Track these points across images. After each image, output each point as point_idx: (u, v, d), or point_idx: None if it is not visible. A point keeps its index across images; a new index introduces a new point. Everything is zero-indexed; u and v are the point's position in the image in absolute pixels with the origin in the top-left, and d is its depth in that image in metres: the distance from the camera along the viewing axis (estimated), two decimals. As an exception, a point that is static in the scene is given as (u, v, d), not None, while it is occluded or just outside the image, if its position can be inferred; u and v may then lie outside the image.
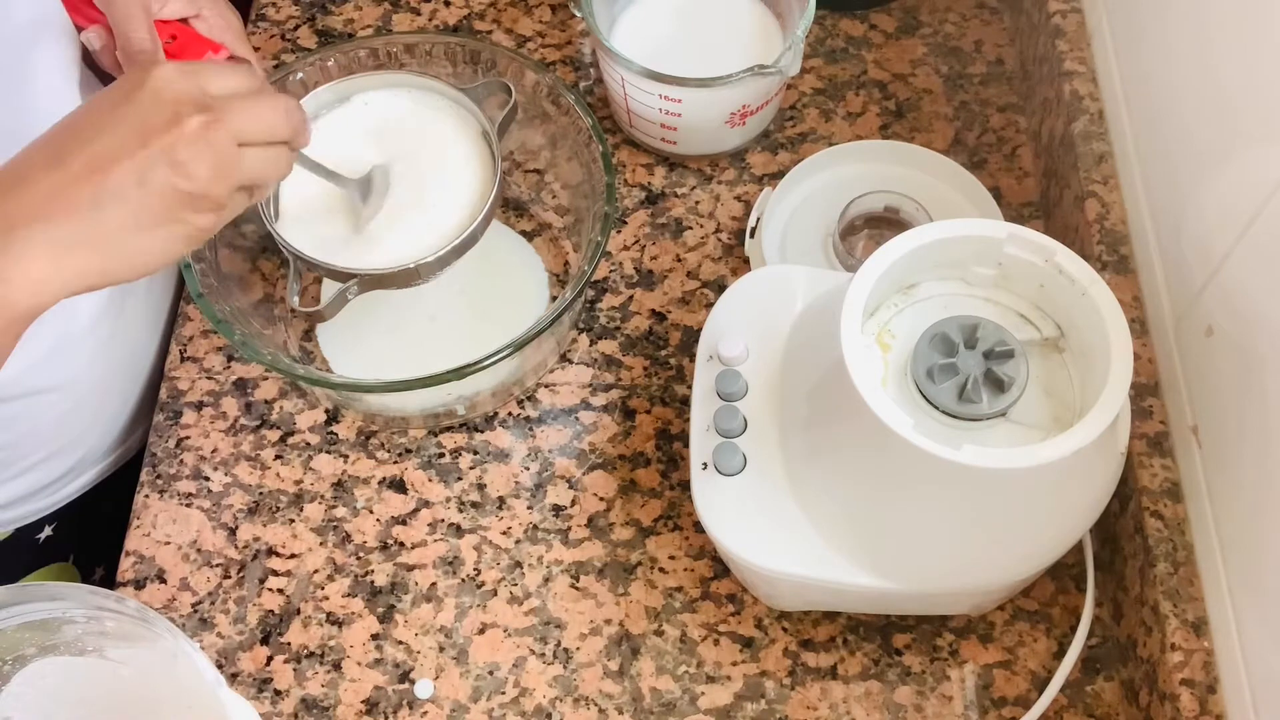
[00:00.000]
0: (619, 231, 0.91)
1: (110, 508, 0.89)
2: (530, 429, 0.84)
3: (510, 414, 0.85)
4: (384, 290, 0.76)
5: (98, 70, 0.82)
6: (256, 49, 0.88)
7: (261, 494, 0.83)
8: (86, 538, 0.92)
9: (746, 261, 0.87)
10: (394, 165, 0.78)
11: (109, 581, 0.81)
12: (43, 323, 0.59)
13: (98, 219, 0.57)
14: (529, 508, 0.81)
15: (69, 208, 0.56)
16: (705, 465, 0.70)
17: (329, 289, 0.73)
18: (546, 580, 0.79)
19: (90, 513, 0.91)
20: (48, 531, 0.89)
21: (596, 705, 0.75)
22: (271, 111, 0.62)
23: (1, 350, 0.57)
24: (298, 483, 0.83)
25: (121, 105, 0.58)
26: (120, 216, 0.57)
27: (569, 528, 0.81)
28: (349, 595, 0.79)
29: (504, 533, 0.81)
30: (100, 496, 0.91)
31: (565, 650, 0.77)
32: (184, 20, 0.76)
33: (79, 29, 0.74)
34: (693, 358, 0.81)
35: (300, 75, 0.83)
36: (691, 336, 0.87)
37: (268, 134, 0.62)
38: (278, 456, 0.84)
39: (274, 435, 0.85)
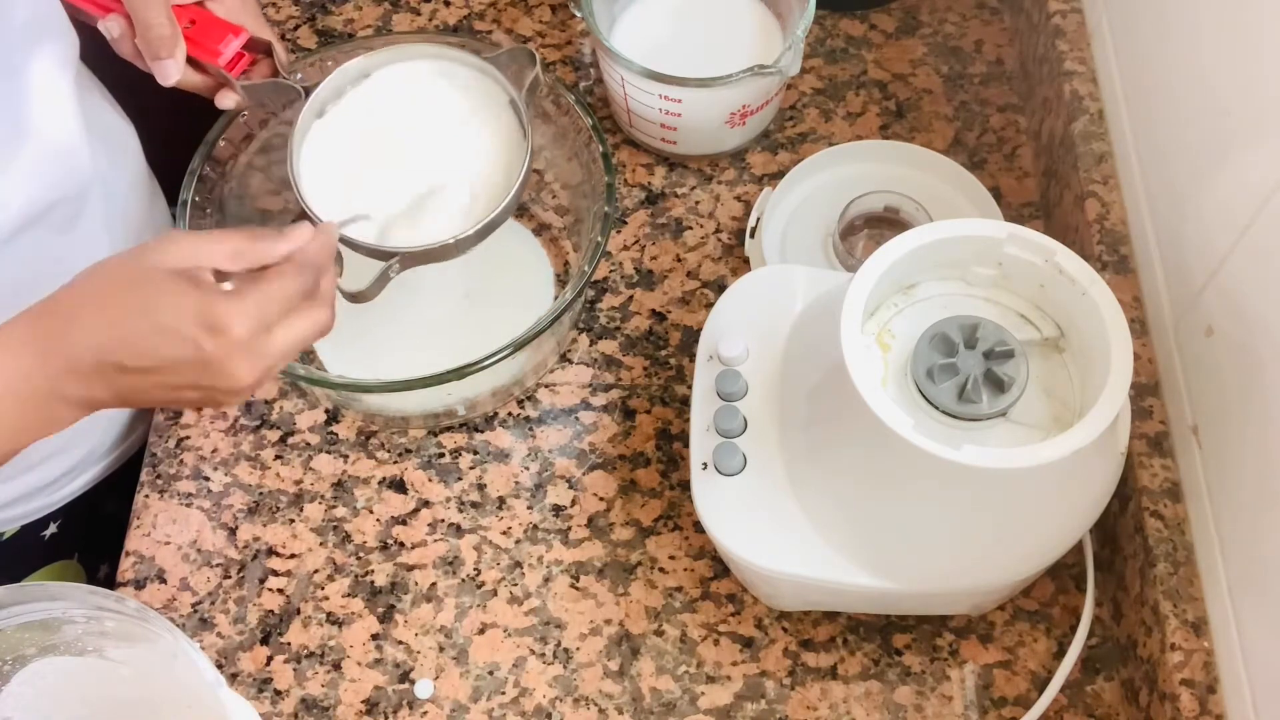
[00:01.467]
0: (619, 231, 0.91)
1: (113, 506, 0.89)
2: (530, 429, 0.84)
3: (510, 414, 0.85)
4: (409, 273, 0.75)
5: (94, 69, 0.82)
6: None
7: (261, 494, 0.83)
8: (91, 535, 0.92)
9: (746, 261, 0.87)
10: (420, 139, 0.77)
11: (112, 578, 0.81)
12: None
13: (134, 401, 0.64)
14: (529, 508, 0.81)
15: (115, 393, 0.62)
16: (705, 465, 0.70)
17: (364, 272, 0.73)
18: (546, 580, 0.79)
19: (94, 511, 0.91)
20: (52, 529, 0.89)
21: (596, 705, 0.75)
22: (312, 327, 0.65)
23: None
24: (298, 483, 0.83)
25: (187, 355, 0.60)
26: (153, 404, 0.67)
27: (569, 528, 0.81)
28: (349, 595, 0.79)
29: (504, 533, 0.81)
30: (103, 495, 0.91)
31: (565, 650, 0.77)
32: (201, 4, 0.76)
33: (96, 18, 0.74)
34: (693, 358, 0.81)
35: (300, 75, 0.83)
36: (691, 336, 0.87)
37: (304, 343, 0.65)
38: (278, 456, 0.84)
39: (274, 435, 0.85)
